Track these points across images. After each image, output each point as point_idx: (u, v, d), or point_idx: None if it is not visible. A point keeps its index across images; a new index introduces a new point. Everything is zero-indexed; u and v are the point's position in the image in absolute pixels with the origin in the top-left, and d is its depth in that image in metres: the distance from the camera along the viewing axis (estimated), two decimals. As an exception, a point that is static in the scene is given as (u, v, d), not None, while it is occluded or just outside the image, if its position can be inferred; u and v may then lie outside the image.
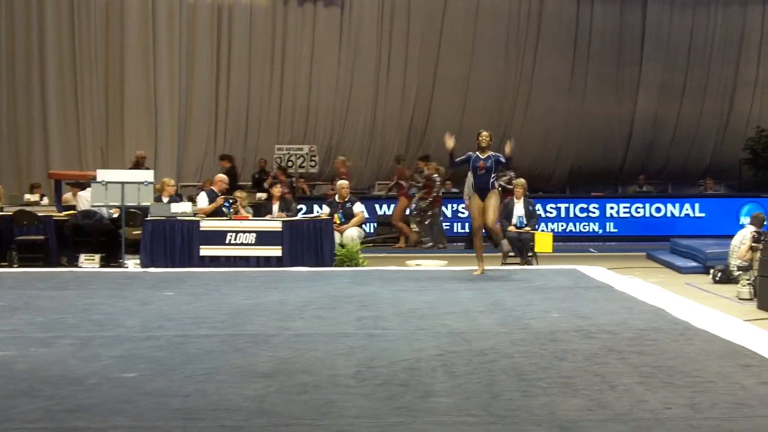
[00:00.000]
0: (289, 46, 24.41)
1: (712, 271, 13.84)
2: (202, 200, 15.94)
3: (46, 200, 19.33)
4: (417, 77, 24.95)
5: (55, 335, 8.19)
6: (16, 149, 23.28)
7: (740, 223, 19.30)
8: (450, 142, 13.07)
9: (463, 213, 21.55)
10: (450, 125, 24.86)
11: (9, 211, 16.18)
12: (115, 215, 15.51)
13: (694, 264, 15.26)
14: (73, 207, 16.54)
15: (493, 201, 12.97)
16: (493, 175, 12.94)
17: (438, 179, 19.31)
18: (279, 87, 24.47)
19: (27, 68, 23.27)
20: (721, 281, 13.38)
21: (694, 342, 7.81)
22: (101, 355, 7.34)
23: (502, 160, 12.97)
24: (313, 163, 22.65)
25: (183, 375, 6.62)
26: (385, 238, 20.64)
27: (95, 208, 15.40)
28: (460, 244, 20.19)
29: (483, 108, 25.07)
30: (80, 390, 6.24)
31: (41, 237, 15.32)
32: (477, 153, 13.03)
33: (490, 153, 13.00)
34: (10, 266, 14.96)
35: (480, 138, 13.09)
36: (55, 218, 15.71)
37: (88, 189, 15.40)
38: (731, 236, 14.07)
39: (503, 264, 15.40)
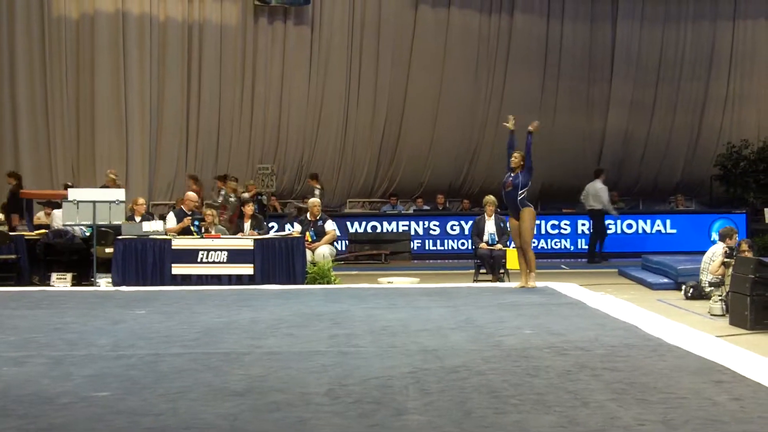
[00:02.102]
0: (260, 64, 24.39)
1: (683, 287, 13.91)
2: (171, 220, 15.95)
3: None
4: (387, 94, 24.96)
5: (27, 354, 8.14)
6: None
7: (711, 239, 19.44)
8: (510, 124, 13.65)
9: (434, 230, 21.67)
10: (420, 143, 25.06)
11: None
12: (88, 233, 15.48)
13: (665, 280, 15.34)
14: (45, 226, 16.45)
15: (527, 222, 13.18)
16: (520, 192, 13.10)
17: (233, 199, 19.32)
18: (250, 105, 24.42)
19: (-3, 89, 23.16)
20: (692, 297, 13.45)
21: (666, 358, 7.85)
22: (73, 374, 7.30)
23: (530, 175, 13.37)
24: (272, 182, 22.61)
25: (155, 394, 6.60)
26: (357, 255, 20.68)
27: (67, 227, 15.35)
28: (432, 261, 20.32)
29: (454, 125, 25.13)
30: (53, 409, 6.20)
31: (13, 256, 15.25)
32: (510, 172, 13.27)
33: (520, 171, 13.19)
34: (-19, 286, 14.88)
35: (512, 161, 13.45)
36: (26, 237, 15.65)
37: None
38: (703, 252, 14.15)
39: (475, 281, 15.47)
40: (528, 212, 13.26)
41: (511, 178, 13.29)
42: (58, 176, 22.87)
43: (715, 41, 26.02)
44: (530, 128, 13.50)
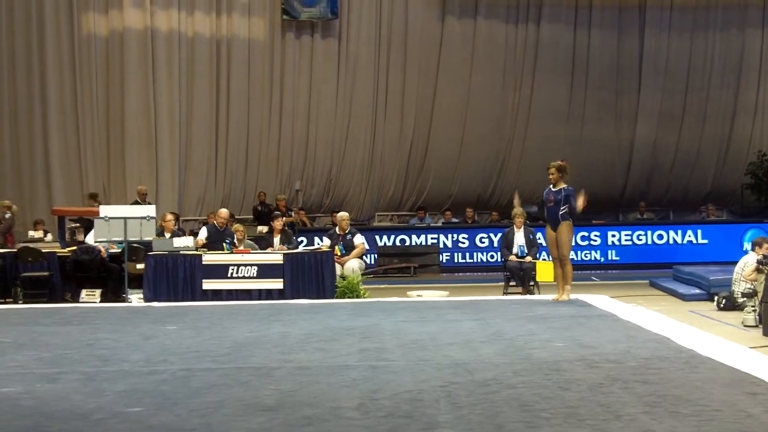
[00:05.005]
0: (287, 78, 24.51)
1: (716, 298, 13.81)
2: (203, 233, 16.05)
3: (50, 236, 19.41)
4: (415, 107, 25.01)
5: (60, 371, 8.19)
6: (20, 186, 23.35)
7: (744, 249, 19.29)
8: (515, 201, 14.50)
9: (463, 243, 21.66)
10: (448, 156, 25.07)
11: (13, 247, 16.28)
12: (112, 250, 15.61)
13: (697, 291, 15.23)
14: (77, 243, 16.60)
15: (564, 235, 13.16)
16: (562, 208, 13.08)
17: (9, 216, 19.11)
18: (278, 119, 24.54)
19: (29, 106, 23.40)
20: (725, 308, 13.34)
21: (699, 370, 7.78)
22: (106, 390, 7.33)
23: (573, 196, 13.25)
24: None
25: (188, 409, 6.62)
26: (386, 269, 20.68)
27: (96, 244, 15.50)
28: (461, 274, 20.32)
29: (482, 137, 25.14)
30: (86, 425, 6.23)
31: (45, 273, 15.39)
32: (550, 186, 13.24)
33: (563, 186, 13.16)
34: (15, 302, 15.08)
35: (549, 176, 13.40)
36: (58, 254, 15.79)
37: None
38: (735, 262, 14.03)
39: (504, 294, 15.43)
40: (566, 225, 13.22)
41: (552, 194, 13.26)
42: (89, 192, 23.04)
43: (744, 49, 25.88)
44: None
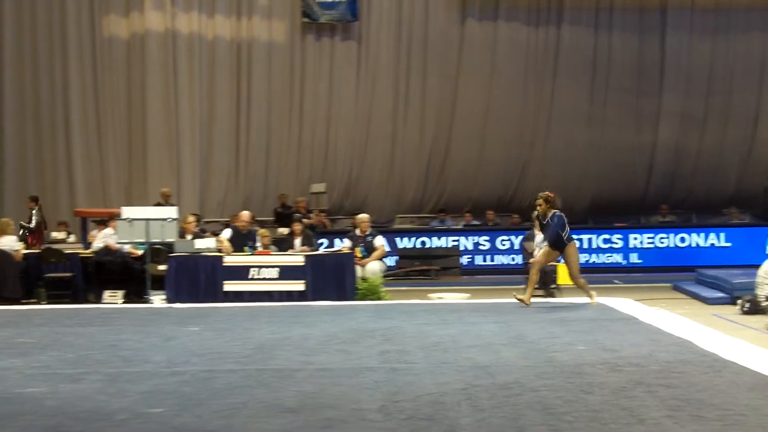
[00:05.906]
0: (308, 81, 24.52)
1: (739, 301, 13.73)
2: (226, 233, 16.09)
3: (73, 237, 19.52)
4: (435, 109, 24.95)
5: (83, 371, 8.23)
6: (42, 188, 23.43)
7: (767, 252, 19.17)
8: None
9: (484, 245, 21.63)
10: (469, 158, 25.01)
11: (36, 248, 16.39)
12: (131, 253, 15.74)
13: (720, 295, 15.14)
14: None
15: (572, 257, 13.34)
16: (562, 234, 13.18)
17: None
18: (298, 122, 24.55)
19: (51, 108, 23.54)
20: (748, 312, 13.27)
21: (722, 374, 7.75)
22: (129, 390, 7.37)
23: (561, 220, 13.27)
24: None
25: (210, 410, 6.64)
26: (407, 271, 20.66)
27: (117, 245, 15.61)
28: (482, 276, 20.29)
29: (502, 140, 25.04)
30: (109, 426, 6.26)
31: (68, 274, 15.49)
32: (539, 218, 13.53)
33: (551, 215, 13.26)
34: (39, 303, 15.17)
35: (537, 207, 13.55)
36: (81, 255, 15.88)
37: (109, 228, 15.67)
38: (758, 266, 13.94)
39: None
40: (571, 247, 13.31)
41: (546, 223, 13.33)
42: (111, 194, 23.17)
43: (766, 51, 25.64)
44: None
